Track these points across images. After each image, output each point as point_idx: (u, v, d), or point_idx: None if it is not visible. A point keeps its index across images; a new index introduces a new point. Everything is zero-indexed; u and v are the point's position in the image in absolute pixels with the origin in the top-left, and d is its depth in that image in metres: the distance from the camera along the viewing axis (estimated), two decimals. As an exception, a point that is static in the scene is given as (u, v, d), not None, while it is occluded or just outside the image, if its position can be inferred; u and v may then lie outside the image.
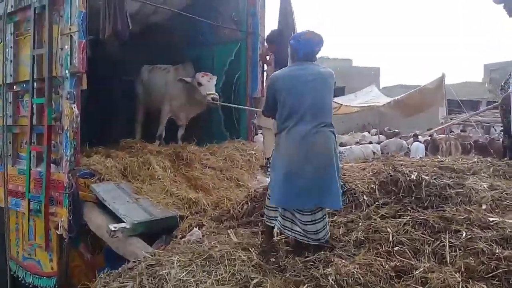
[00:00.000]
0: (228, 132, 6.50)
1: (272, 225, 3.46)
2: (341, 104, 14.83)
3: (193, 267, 3.13)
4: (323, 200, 3.21)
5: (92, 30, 4.49)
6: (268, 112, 3.53)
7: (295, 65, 3.36)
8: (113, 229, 3.86)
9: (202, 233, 3.93)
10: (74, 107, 4.25)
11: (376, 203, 3.88)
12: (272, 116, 3.49)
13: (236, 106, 6.21)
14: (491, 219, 3.35)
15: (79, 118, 4.30)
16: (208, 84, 5.86)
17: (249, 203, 4.37)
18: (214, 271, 3.06)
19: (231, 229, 3.91)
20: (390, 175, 4.11)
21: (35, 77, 4.67)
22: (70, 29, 4.28)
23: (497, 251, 2.94)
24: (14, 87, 5.07)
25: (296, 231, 3.28)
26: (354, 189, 4.05)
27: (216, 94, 5.81)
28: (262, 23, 6.18)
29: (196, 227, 4.04)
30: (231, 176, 5.50)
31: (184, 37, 6.86)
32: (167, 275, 3.06)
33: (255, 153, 6.22)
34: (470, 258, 2.94)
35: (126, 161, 4.77)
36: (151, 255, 3.50)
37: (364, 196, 3.99)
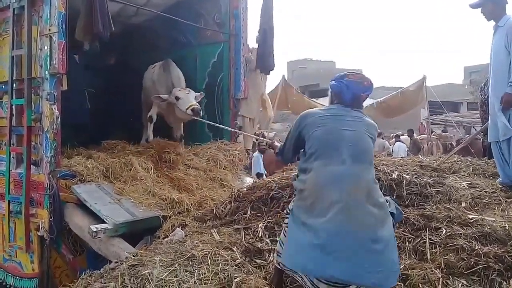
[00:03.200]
0: (211, 133, 6.49)
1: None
2: (324, 106, 14.92)
3: (176, 267, 3.13)
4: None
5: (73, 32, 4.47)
6: (286, 152, 2.93)
7: (336, 107, 2.85)
8: (94, 230, 3.83)
9: (185, 233, 3.91)
10: (54, 108, 4.21)
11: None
12: (283, 161, 3.10)
13: (219, 125, 5.92)
14: (470, 216, 3.40)
15: (59, 119, 4.26)
16: (187, 97, 5.53)
17: (232, 203, 4.36)
18: (196, 271, 3.06)
19: (214, 229, 3.91)
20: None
21: (14, 78, 4.62)
22: (49, 29, 4.24)
23: (477, 247, 3.00)
24: (-6, 88, 5.00)
25: None
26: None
27: (197, 104, 5.47)
28: (245, 25, 6.20)
29: (179, 227, 4.02)
30: (214, 177, 5.50)
31: (167, 38, 6.85)
32: (149, 275, 3.05)
33: (238, 154, 6.23)
34: (450, 254, 3.00)
35: (108, 162, 4.73)
36: (133, 255, 3.48)
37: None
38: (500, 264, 2.89)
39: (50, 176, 4.21)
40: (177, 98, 5.52)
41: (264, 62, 6.27)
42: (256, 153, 10.47)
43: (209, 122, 5.87)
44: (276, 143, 4.96)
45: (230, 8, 6.14)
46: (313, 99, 15.74)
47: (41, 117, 4.32)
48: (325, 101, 16.13)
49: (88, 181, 4.45)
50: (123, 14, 6.25)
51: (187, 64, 6.55)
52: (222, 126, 5.89)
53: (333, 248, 2.39)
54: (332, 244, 2.40)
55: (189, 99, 5.51)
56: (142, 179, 4.72)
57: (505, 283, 2.77)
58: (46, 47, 4.24)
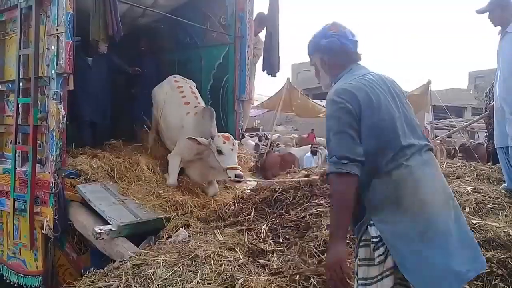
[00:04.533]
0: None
1: None
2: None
3: (179, 267, 3.14)
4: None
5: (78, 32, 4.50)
6: (349, 152, 1.99)
7: (355, 69, 2.26)
8: (98, 231, 3.85)
9: (188, 233, 3.94)
10: (61, 107, 4.23)
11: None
12: (357, 162, 2.00)
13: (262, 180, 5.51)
14: (474, 221, 3.40)
15: (65, 119, 4.29)
16: (231, 155, 4.59)
17: (236, 204, 4.39)
18: (200, 271, 3.08)
19: (218, 229, 3.92)
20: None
21: (21, 77, 4.65)
22: (57, 29, 4.27)
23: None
24: (0, 86, 5.03)
25: None
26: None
27: (240, 168, 4.64)
28: (251, 27, 6.22)
29: (182, 228, 4.05)
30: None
31: (173, 39, 6.87)
32: (153, 275, 3.06)
33: (244, 156, 6.25)
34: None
35: (113, 161, 4.76)
36: (137, 255, 3.50)
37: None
38: (503, 270, 2.89)
39: (55, 174, 4.23)
40: (219, 152, 4.58)
41: (271, 65, 6.30)
42: (308, 154, 12.10)
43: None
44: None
45: (236, 10, 6.15)
46: (316, 101, 15.74)
47: (47, 116, 4.35)
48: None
49: (93, 181, 4.48)
50: (129, 15, 6.27)
51: (192, 65, 6.57)
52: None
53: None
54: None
55: (233, 158, 4.63)
56: (146, 180, 4.74)
57: (506, 287, 2.77)
58: (53, 47, 4.27)
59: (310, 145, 13.15)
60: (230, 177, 4.56)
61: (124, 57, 6.71)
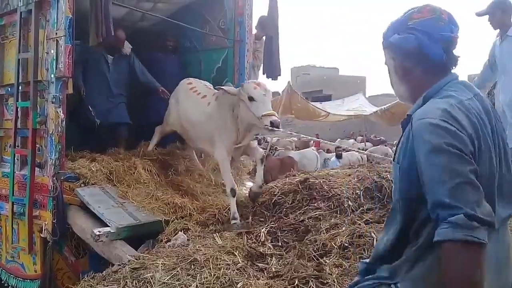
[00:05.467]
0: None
1: None
2: (329, 112, 15.02)
3: (178, 271, 3.14)
4: None
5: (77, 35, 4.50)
6: (480, 211, 1.35)
7: (449, 89, 1.59)
8: (97, 233, 3.85)
9: (187, 237, 3.93)
10: (60, 111, 4.23)
11: (361, 208, 3.93)
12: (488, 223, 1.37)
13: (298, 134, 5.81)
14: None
15: (64, 122, 4.29)
16: (264, 100, 4.15)
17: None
18: (198, 275, 3.08)
19: (217, 233, 3.92)
20: (375, 181, 4.17)
21: (20, 81, 4.65)
22: (56, 33, 4.28)
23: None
24: (-1, 90, 5.04)
25: None
26: (339, 194, 4.10)
27: (276, 113, 4.20)
28: (250, 31, 6.24)
29: (181, 231, 4.04)
30: (218, 182, 5.50)
31: (172, 43, 6.88)
32: (151, 278, 3.06)
33: (242, 160, 6.25)
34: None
35: (112, 165, 4.75)
36: (136, 259, 3.50)
37: (349, 202, 4.04)
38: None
39: (54, 178, 4.23)
40: (250, 98, 4.15)
41: (271, 68, 6.34)
42: (333, 158, 12.65)
43: (290, 133, 5.67)
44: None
45: (235, 14, 6.17)
46: (315, 104, 15.74)
47: (46, 119, 4.35)
48: (329, 105, 16.23)
49: (92, 184, 4.47)
50: (128, 19, 6.29)
51: (192, 68, 6.58)
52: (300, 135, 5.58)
53: None
54: None
55: (267, 104, 4.17)
56: (145, 183, 4.74)
57: None
58: (52, 51, 4.28)
59: (330, 149, 13.32)
60: (267, 126, 4.01)
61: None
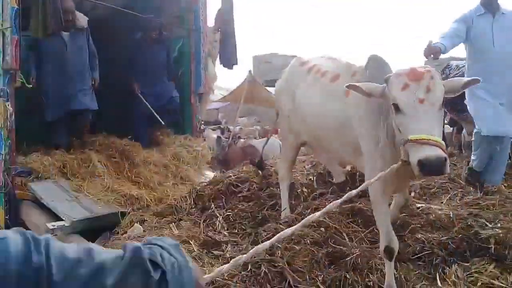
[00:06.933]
0: (173, 128, 6.49)
1: None
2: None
3: (132, 261, 3.16)
4: None
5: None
6: None
7: None
8: (51, 227, 3.82)
9: (143, 228, 3.94)
10: (8, 105, 4.13)
11: (314, 194, 4.03)
12: None
13: None
14: (418, 205, 3.57)
15: (13, 117, 4.19)
16: (417, 113, 2.20)
17: (193, 197, 4.42)
18: (153, 264, 3.10)
19: (173, 223, 3.95)
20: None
21: (-34, 74, 4.50)
22: (1, 25, 4.16)
23: (422, 235, 3.16)
24: None
25: None
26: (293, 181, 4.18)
27: (438, 142, 2.12)
28: (204, 20, 6.24)
29: (137, 223, 4.05)
30: (176, 173, 5.51)
31: (128, 33, 6.78)
32: (105, 270, 3.07)
33: (201, 149, 6.27)
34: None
35: (65, 158, 4.69)
36: (90, 252, 3.49)
37: (303, 188, 4.14)
38: (444, 251, 3.04)
39: (5, 173, 4.14)
40: (395, 107, 2.30)
41: (226, 58, 6.38)
42: None
43: None
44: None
45: (189, 3, 6.15)
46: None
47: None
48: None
49: (45, 179, 4.41)
50: (78, 9, 6.14)
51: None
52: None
53: None
54: None
55: (420, 120, 2.21)
56: (100, 176, 4.70)
57: (448, 268, 2.91)
58: (-1, 43, 4.16)
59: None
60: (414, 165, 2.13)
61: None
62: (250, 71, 14.41)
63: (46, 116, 5.16)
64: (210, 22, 6.47)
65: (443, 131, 7.56)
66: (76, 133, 5.39)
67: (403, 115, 2.23)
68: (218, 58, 6.58)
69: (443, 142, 2.13)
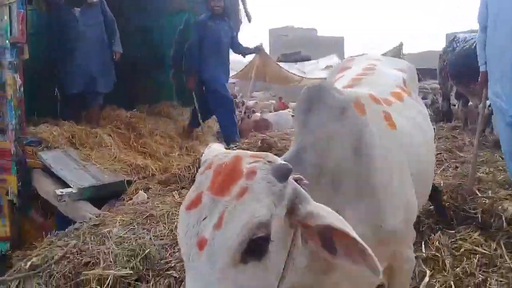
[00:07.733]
0: (181, 100, 6.60)
1: None
2: (303, 77, 15.02)
3: (134, 225, 3.34)
4: None
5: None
6: None
7: None
8: (59, 193, 4.00)
9: (148, 195, 4.11)
10: (17, 77, 4.28)
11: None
12: None
13: None
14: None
15: (22, 88, 4.34)
16: None
17: (196, 167, 4.55)
18: (153, 228, 3.28)
19: (176, 191, 4.11)
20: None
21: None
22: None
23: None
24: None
25: None
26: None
27: None
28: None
29: (142, 190, 4.21)
30: (182, 144, 5.64)
31: (133, 5, 6.82)
32: (108, 233, 3.25)
33: (208, 121, 6.37)
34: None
35: (74, 129, 4.85)
36: (96, 216, 3.68)
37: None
38: (430, 219, 3.14)
39: (16, 143, 4.32)
40: None
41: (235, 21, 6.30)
42: None
43: None
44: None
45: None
46: (289, 69, 15.60)
47: (4, 86, 4.39)
48: (302, 65, 16.12)
49: (55, 148, 4.58)
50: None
51: (154, 31, 6.58)
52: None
53: None
54: None
55: None
56: (108, 146, 4.85)
57: (433, 234, 3.01)
58: (5, 17, 4.28)
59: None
60: None
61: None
62: (261, 44, 14.30)
63: (66, 90, 5.33)
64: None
65: (449, 103, 7.55)
66: (86, 110, 5.58)
67: None
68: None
69: None
